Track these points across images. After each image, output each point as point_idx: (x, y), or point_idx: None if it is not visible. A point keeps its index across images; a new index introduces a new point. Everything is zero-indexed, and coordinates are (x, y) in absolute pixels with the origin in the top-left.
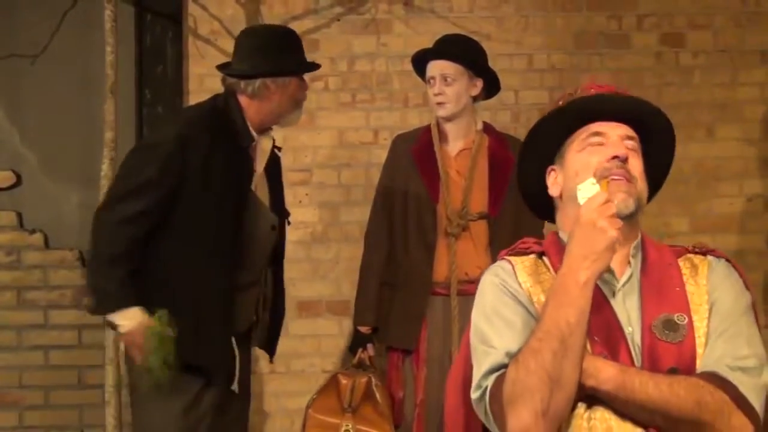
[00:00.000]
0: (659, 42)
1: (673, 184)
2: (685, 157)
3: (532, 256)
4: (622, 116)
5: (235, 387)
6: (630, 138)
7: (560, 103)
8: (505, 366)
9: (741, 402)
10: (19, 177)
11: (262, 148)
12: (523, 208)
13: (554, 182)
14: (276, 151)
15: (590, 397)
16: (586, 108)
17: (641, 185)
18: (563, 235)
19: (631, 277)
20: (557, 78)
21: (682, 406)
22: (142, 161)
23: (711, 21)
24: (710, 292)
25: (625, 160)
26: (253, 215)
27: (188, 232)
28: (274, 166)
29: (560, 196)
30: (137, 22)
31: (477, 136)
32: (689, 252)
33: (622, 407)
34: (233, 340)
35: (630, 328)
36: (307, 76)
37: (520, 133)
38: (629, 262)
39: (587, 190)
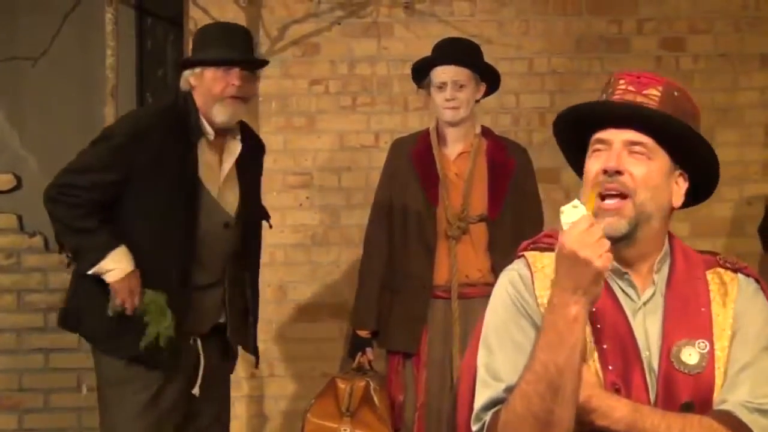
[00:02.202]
0: (659, 46)
1: None
2: None
3: (548, 252)
4: (628, 123)
5: (196, 391)
6: (636, 143)
7: (604, 96)
8: (502, 401)
9: None
10: (19, 180)
11: (230, 149)
12: (522, 210)
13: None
14: (250, 150)
15: None
16: (590, 115)
17: (643, 196)
18: None
19: (654, 294)
20: (558, 82)
21: None
22: (94, 150)
23: (711, 25)
24: (736, 317)
25: (615, 173)
26: (206, 212)
27: (140, 227)
28: (250, 166)
29: None
30: (138, 25)
31: (475, 140)
32: (719, 265)
33: None
34: (198, 342)
35: (647, 352)
36: (306, 80)
37: (521, 136)
38: (653, 279)
39: (570, 214)
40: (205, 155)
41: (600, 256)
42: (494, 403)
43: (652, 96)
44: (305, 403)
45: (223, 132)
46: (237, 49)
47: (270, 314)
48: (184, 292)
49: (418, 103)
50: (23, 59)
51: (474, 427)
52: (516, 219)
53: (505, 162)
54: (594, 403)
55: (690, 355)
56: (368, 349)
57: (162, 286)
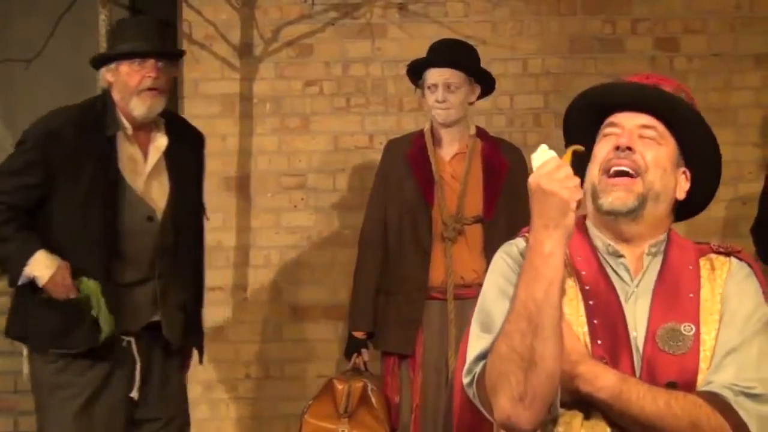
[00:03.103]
0: (653, 46)
1: None
2: None
3: None
4: (642, 106)
5: (134, 394)
6: (647, 127)
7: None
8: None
9: (740, 429)
10: None
11: (156, 142)
12: (517, 211)
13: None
14: (182, 143)
15: (588, 404)
16: (602, 99)
17: (653, 175)
18: (589, 223)
19: (643, 278)
20: (552, 82)
21: (677, 424)
22: (12, 155)
23: (705, 25)
24: (724, 301)
25: (627, 149)
26: (128, 207)
27: (62, 225)
28: (182, 159)
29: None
30: None
31: (470, 141)
32: (713, 251)
33: (616, 418)
34: (132, 343)
35: (635, 333)
36: (300, 81)
37: (516, 137)
38: (644, 263)
39: (539, 156)
40: (126, 150)
41: (566, 188)
42: (484, 355)
43: (662, 87)
44: (300, 404)
45: (147, 126)
46: (150, 40)
47: (265, 315)
48: (109, 289)
49: (413, 104)
50: (17, 61)
51: (465, 380)
52: (510, 220)
53: (500, 163)
54: (580, 369)
55: (675, 337)
56: (364, 351)
57: None
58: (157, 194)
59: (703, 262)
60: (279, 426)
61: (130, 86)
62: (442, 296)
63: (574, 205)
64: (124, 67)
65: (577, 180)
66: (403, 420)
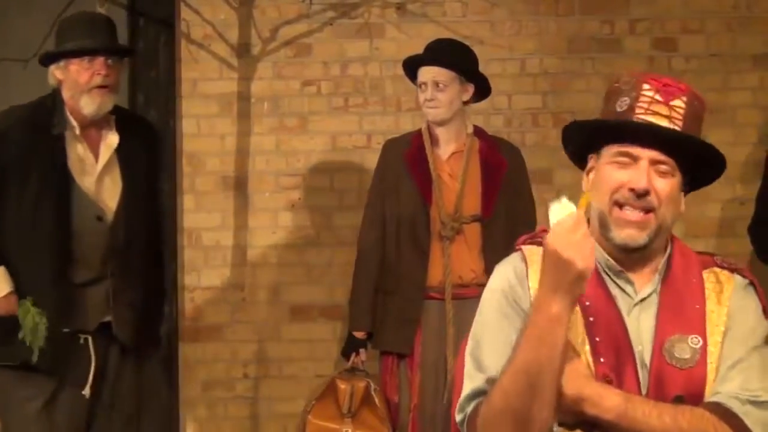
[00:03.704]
0: (651, 46)
1: None
2: None
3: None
4: (659, 146)
5: (86, 392)
6: (662, 162)
7: (627, 100)
8: (484, 393)
9: None
10: None
11: (107, 140)
12: (515, 210)
13: (587, 176)
14: (136, 141)
15: (591, 424)
16: (623, 130)
17: (666, 209)
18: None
19: (651, 292)
20: (550, 82)
21: None
22: None
23: (703, 25)
24: (729, 315)
25: (643, 194)
26: (77, 206)
27: (13, 226)
28: (137, 157)
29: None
30: (130, 26)
31: (468, 140)
32: (716, 265)
33: None
34: (89, 341)
35: (640, 347)
36: (298, 81)
37: (514, 137)
38: (654, 278)
39: (558, 211)
40: (76, 149)
41: (583, 258)
42: (477, 394)
43: (677, 109)
44: (298, 404)
45: (98, 124)
46: (99, 37)
47: (263, 315)
48: (60, 289)
49: (411, 104)
50: (14, 60)
51: (457, 417)
52: (509, 219)
53: (498, 162)
54: (585, 392)
55: (682, 350)
56: (361, 350)
57: (36, 285)
58: (109, 193)
59: (707, 275)
60: (277, 425)
61: (80, 84)
62: (441, 296)
63: (589, 275)
64: (74, 65)
65: (592, 243)
66: (402, 420)
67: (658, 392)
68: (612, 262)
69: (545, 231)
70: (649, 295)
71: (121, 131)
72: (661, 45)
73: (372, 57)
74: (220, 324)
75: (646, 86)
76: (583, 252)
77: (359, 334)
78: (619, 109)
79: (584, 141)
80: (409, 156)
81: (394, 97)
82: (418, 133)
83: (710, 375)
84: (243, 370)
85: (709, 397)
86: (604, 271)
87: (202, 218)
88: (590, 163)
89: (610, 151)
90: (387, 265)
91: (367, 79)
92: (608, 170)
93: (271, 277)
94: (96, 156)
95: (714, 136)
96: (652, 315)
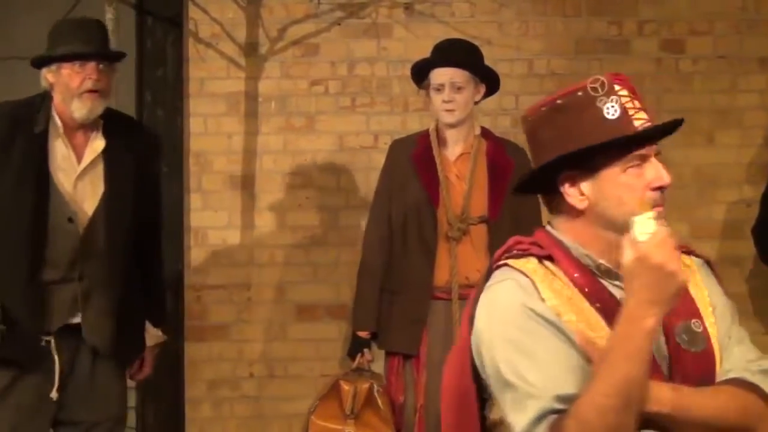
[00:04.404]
0: (659, 48)
1: (672, 190)
2: (684, 163)
3: (533, 259)
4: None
5: (53, 395)
6: (658, 153)
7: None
8: (554, 411)
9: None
10: None
11: (93, 146)
12: (521, 212)
13: (578, 194)
14: (125, 146)
15: (646, 422)
16: (639, 138)
17: None
18: (569, 242)
19: None
20: (557, 83)
21: (731, 416)
22: None
23: (711, 27)
24: (710, 295)
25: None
26: (53, 206)
27: None
28: (125, 163)
29: (583, 210)
30: (138, 25)
31: (475, 141)
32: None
33: (677, 427)
34: (52, 342)
35: (655, 344)
36: (306, 80)
37: (521, 138)
38: None
39: (646, 225)
40: (59, 149)
41: (681, 270)
42: (545, 414)
43: (639, 97)
44: (304, 403)
45: (87, 126)
46: (91, 42)
47: (269, 314)
48: (33, 287)
49: (418, 104)
50: (21, 59)
51: None
52: (515, 220)
53: (505, 163)
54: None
55: (692, 335)
56: (366, 350)
57: (10, 281)
58: (88, 196)
59: None
60: (282, 425)
61: (72, 88)
62: (447, 296)
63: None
64: (66, 69)
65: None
66: (408, 421)
67: (683, 379)
68: (607, 265)
69: (518, 242)
70: None
71: (110, 134)
72: (669, 46)
73: (380, 57)
74: (226, 323)
75: (618, 87)
76: (680, 264)
77: (363, 334)
78: (611, 117)
79: (583, 159)
80: (416, 157)
81: (401, 97)
82: (425, 134)
83: (717, 354)
84: (249, 370)
85: (722, 374)
86: (595, 274)
87: (208, 217)
88: (577, 184)
89: (620, 159)
90: (393, 266)
91: (374, 79)
92: (624, 179)
93: (277, 277)
94: (79, 158)
95: (721, 137)
96: None
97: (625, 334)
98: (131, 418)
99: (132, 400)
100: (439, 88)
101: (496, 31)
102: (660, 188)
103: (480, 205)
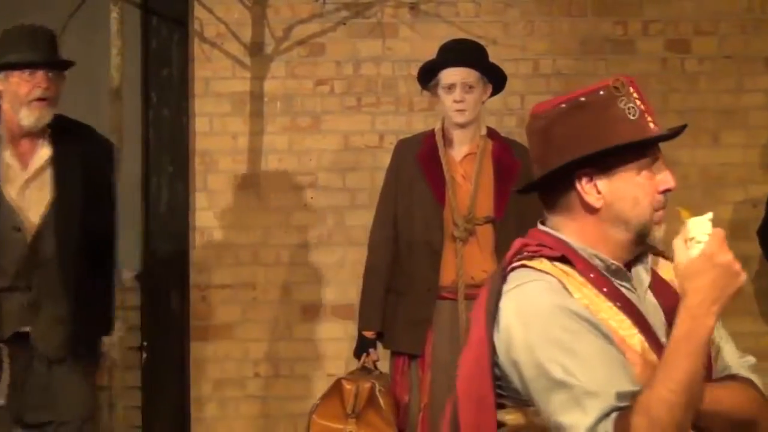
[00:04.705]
0: (665, 48)
1: (678, 190)
2: (690, 163)
3: (545, 261)
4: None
5: (1, 401)
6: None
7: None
8: (617, 408)
9: (764, 399)
10: None
11: (39, 153)
12: (527, 212)
13: (595, 192)
14: (75, 154)
15: None
16: (662, 139)
17: None
18: (573, 243)
19: (650, 284)
20: (563, 83)
21: (745, 409)
22: None
23: (716, 27)
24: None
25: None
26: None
27: None
28: (75, 170)
29: (598, 209)
30: (143, 24)
31: (481, 141)
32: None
33: (703, 422)
34: (2, 349)
35: (664, 339)
36: (311, 80)
37: (526, 138)
38: (648, 271)
39: (704, 226)
40: (6, 158)
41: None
42: (608, 412)
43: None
44: (309, 403)
45: (34, 135)
46: (40, 50)
47: (274, 314)
48: None
49: (423, 104)
50: None
51: None
52: (521, 220)
53: (511, 163)
54: None
55: None
56: (372, 350)
57: None
58: (34, 204)
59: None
60: (288, 424)
61: (20, 96)
62: (452, 296)
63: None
64: (15, 77)
65: None
66: (412, 420)
67: None
68: (618, 264)
69: (524, 244)
70: (648, 288)
71: (58, 142)
72: (674, 46)
73: (385, 57)
74: (232, 323)
75: (633, 92)
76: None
77: (368, 334)
78: (632, 117)
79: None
80: (422, 156)
81: (406, 97)
82: (431, 134)
83: (712, 352)
84: (254, 369)
85: (719, 371)
86: (603, 274)
87: (214, 217)
88: (593, 181)
89: (637, 161)
90: (399, 265)
91: (379, 79)
92: (640, 180)
93: (282, 276)
94: (25, 166)
95: (726, 137)
96: (655, 304)
97: (689, 331)
98: (137, 418)
99: (138, 399)
100: (450, 88)
101: (502, 31)
102: (667, 191)
103: (486, 206)
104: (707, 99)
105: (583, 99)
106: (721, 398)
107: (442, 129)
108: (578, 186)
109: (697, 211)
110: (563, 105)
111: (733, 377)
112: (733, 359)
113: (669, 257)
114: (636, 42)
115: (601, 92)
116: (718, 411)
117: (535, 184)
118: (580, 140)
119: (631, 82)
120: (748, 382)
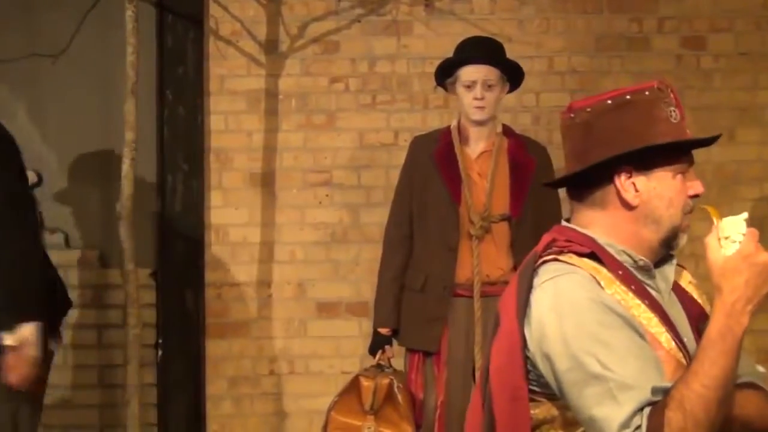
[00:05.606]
0: (680, 45)
1: None
2: (705, 160)
3: (574, 256)
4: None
5: None
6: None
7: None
8: (651, 403)
9: None
10: (40, 177)
11: None
12: (543, 209)
13: (632, 189)
14: None
15: None
16: (705, 143)
17: None
18: (601, 239)
19: (673, 286)
20: (578, 80)
21: (765, 414)
22: None
23: (732, 24)
24: (703, 303)
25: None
26: None
27: None
28: None
29: (634, 207)
30: (158, 22)
31: (497, 139)
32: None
33: (727, 424)
34: None
35: (686, 338)
36: (326, 78)
37: (541, 135)
38: (672, 272)
39: (740, 225)
40: None
41: None
42: (643, 406)
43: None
44: (325, 400)
45: None
46: None
47: (289, 312)
48: None
49: (438, 101)
50: (43, 56)
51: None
52: (536, 218)
53: (526, 161)
54: None
55: None
56: (387, 347)
57: None
58: None
59: None
60: (303, 422)
61: None
62: (468, 293)
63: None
64: None
65: None
66: (428, 417)
67: None
68: (647, 261)
69: (556, 242)
70: (672, 289)
71: None
72: (690, 44)
73: (400, 54)
74: (247, 320)
75: (672, 95)
76: None
77: (384, 331)
78: (674, 120)
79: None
80: (438, 154)
81: (421, 94)
82: (447, 131)
83: None
84: (269, 367)
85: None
86: (632, 271)
87: (229, 214)
88: (633, 178)
89: (674, 164)
90: (415, 263)
91: (394, 76)
92: (675, 184)
93: (297, 274)
94: None
95: (742, 135)
96: (678, 306)
97: (725, 328)
98: (153, 415)
99: (153, 396)
100: (470, 86)
101: (517, 29)
102: (696, 197)
103: (502, 203)
104: (722, 96)
105: (628, 97)
106: (742, 403)
107: (458, 126)
108: (617, 182)
109: (718, 210)
110: (609, 101)
111: (751, 385)
112: (746, 367)
113: (686, 267)
114: (651, 39)
115: (647, 92)
116: (739, 415)
117: (572, 177)
118: (624, 136)
119: (671, 88)
120: (763, 390)
